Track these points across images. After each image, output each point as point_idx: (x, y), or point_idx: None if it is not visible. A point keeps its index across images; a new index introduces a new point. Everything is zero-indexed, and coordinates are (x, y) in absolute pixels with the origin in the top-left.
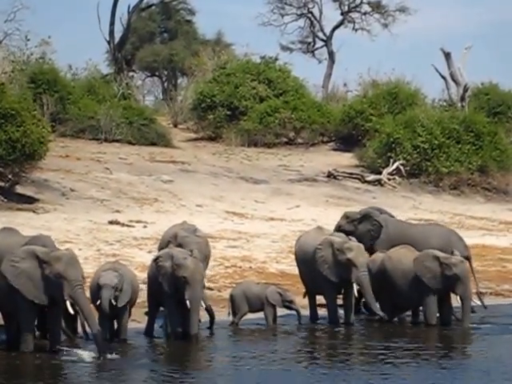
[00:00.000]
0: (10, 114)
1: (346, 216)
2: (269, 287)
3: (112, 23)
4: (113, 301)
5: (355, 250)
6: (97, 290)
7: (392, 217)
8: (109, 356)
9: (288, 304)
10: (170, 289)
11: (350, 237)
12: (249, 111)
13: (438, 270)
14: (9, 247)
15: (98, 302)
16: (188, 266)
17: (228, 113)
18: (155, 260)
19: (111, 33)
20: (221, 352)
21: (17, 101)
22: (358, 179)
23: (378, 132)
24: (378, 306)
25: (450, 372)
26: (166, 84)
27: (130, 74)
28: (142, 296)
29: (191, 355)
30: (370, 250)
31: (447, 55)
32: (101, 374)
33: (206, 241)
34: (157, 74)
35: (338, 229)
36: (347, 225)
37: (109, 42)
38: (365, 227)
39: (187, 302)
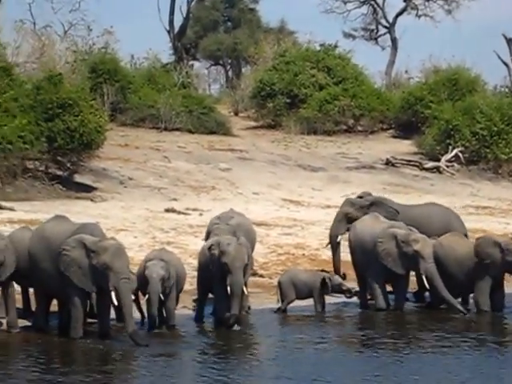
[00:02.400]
0: (67, 104)
1: (351, 202)
2: (317, 274)
3: (172, 13)
4: (161, 295)
5: (421, 242)
6: (144, 281)
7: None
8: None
9: (337, 288)
10: (218, 275)
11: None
12: (308, 99)
13: (498, 256)
14: (59, 235)
15: (147, 297)
16: (229, 252)
17: (287, 101)
18: (209, 248)
19: (171, 22)
20: (267, 338)
21: (74, 91)
22: (416, 166)
23: (436, 119)
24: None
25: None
26: (229, 72)
27: (190, 63)
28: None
29: (237, 341)
30: None
31: (509, 41)
32: (149, 358)
33: (245, 228)
34: (220, 62)
35: (345, 216)
36: (355, 211)
37: (169, 32)
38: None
39: (228, 288)
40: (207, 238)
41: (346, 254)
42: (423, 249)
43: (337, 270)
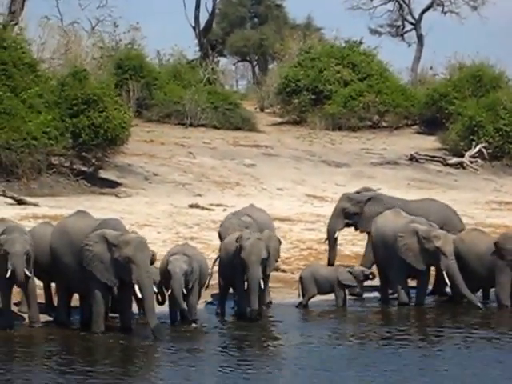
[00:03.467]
0: (92, 100)
1: (349, 198)
2: (339, 268)
3: (197, 9)
4: (184, 290)
5: (442, 238)
6: (167, 276)
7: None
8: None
9: (361, 276)
10: (239, 269)
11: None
12: (333, 95)
13: None
14: (80, 230)
15: (170, 292)
16: (245, 247)
17: (313, 97)
18: (236, 241)
19: (196, 19)
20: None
21: (99, 87)
22: (440, 162)
23: (460, 115)
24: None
25: None
26: (256, 69)
27: (216, 59)
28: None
29: (257, 335)
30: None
31: None
32: (170, 353)
33: (261, 224)
34: (247, 58)
35: (343, 211)
36: (352, 207)
37: (194, 28)
38: (372, 209)
39: (245, 282)
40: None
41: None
42: (444, 245)
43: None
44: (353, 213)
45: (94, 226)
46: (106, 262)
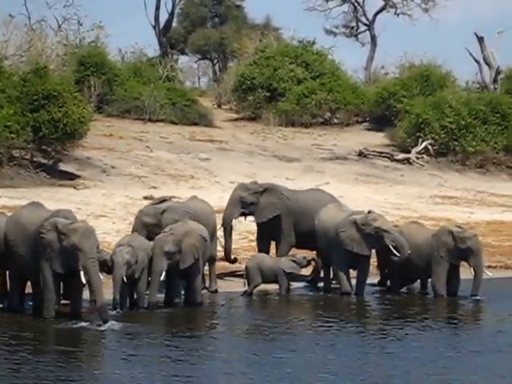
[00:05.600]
0: (52, 96)
1: (246, 187)
2: (281, 258)
3: (157, 9)
4: (124, 278)
5: (379, 219)
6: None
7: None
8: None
9: (304, 261)
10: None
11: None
12: (287, 93)
13: (452, 244)
14: (33, 220)
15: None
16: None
17: (267, 94)
18: None
19: (156, 18)
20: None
21: (59, 83)
22: (388, 158)
23: (408, 113)
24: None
25: None
26: (216, 67)
27: (175, 57)
28: None
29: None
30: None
31: (480, 39)
32: (121, 339)
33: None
34: (208, 56)
35: (239, 200)
36: (249, 196)
37: (154, 27)
38: (267, 199)
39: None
40: None
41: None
42: (383, 224)
43: (228, 254)
44: (249, 202)
45: (46, 217)
46: (56, 250)
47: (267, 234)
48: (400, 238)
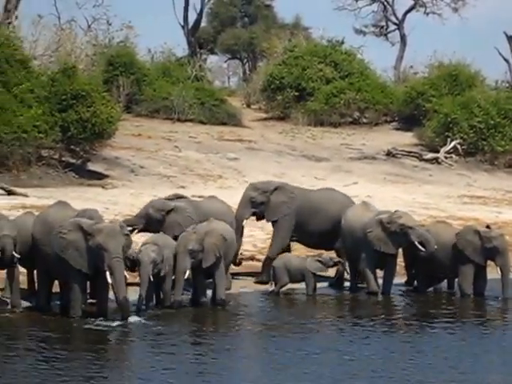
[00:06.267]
0: (80, 95)
1: (256, 187)
2: (308, 258)
3: (186, 9)
4: (151, 277)
5: (404, 216)
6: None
7: None
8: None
9: (331, 262)
10: None
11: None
12: (316, 92)
13: (478, 244)
14: (60, 220)
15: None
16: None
17: (296, 94)
18: None
19: (185, 18)
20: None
21: (87, 83)
22: (416, 157)
23: (436, 112)
24: None
25: None
26: (246, 66)
27: (204, 56)
28: None
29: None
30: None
31: (510, 38)
32: (147, 337)
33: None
34: (237, 56)
35: (250, 200)
36: (259, 196)
37: (183, 27)
38: (278, 198)
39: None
40: None
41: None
42: (408, 221)
43: (236, 255)
44: (260, 202)
45: (72, 216)
46: (81, 250)
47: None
48: (425, 233)
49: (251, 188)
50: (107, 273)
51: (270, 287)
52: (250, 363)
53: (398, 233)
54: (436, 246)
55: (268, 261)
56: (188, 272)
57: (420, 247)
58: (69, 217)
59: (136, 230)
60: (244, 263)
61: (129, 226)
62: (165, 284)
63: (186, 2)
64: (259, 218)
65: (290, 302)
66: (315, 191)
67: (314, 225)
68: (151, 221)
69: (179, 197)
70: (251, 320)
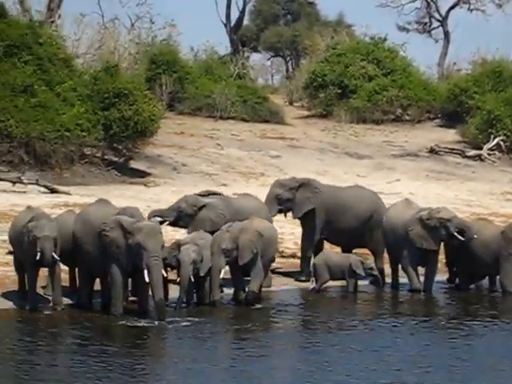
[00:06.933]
0: (123, 94)
1: (281, 184)
2: (351, 256)
3: (228, 7)
4: (191, 277)
5: (443, 210)
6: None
7: None
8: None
9: (369, 271)
10: None
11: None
12: (358, 90)
13: None
14: (101, 218)
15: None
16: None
17: (338, 91)
18: None
19: (228, 16)
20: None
21: (130, 81)
22: (459, 154)
23: (480, 109)
24: None
25: None
26: (289, 64)
27: (247, 54)
28: None
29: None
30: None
31: None
32: (187, 335)
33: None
34: (280, 54)
35: (276, 197)
36: (285, 193)
37: (225, 25)
38: (303, 195)
39: None
40: None
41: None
42: (446, 214)
43: None
44: (286, 199)
45: (113, 214)
46: (122, 247)
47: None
48: (463, 221)
49: (277, 185)
50: (145, 271)
51: (311, 284)
52: (292, 360)
53: (438, 227)
54: (477, 247)
55: (304, 259)
56: (223, 271)
57: (459, 237)
58: (109, 215)
59: (166, 222)
60: (285, 261)
61: (159, 217)
62: (205, 283)
63: (228, 0)
64: (286, 215)
65: (330, 300)
66: (344, 189)
67: (343, 223)
68: (182, 215)
69: (212, 193)
70: (289, 317)
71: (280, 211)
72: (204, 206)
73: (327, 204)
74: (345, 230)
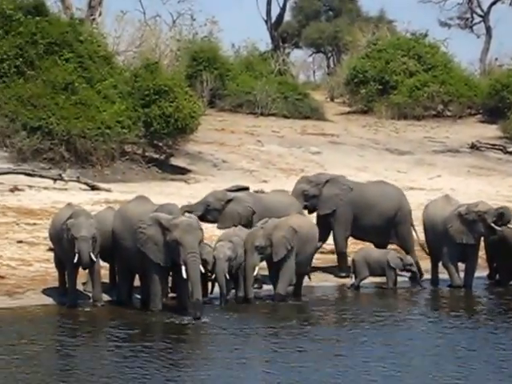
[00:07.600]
0: (163, 91)
1: (308, 180)
2: (389, 252)
3: (269, 3)
4: (226, 274)
5: (480, 204)
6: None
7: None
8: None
9: (408, 267)
10: None
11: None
12: (399, 85)
13: None
14: (140, 214)
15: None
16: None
17: (379, 87)
18: None
19: (268, 12)
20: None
21: (170, 78)
22: (501, 150)
23: None
24: None
25: None
26: (330, 60)
27: (287, 51)
28: None
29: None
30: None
31: None
32: (223, 331)
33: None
34: (322, 50)
35: (302, 193)
36: (312, 188)
37: (266, 21)
38: (330, 191)
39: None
40: None
41: None
42: (483, 206)
43: None
44: (312, 195)
45: (151, 211)
46: (160, 244)
47: (327, 225)
48: (496, 209)
49: (303, 181)
50: (183, 268)
51: (351, 280)
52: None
53: (476, 220)
54: None
55: (340, 256)
56: (257, 268)
57: (497, 227)
58: (148, 211)
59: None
60: (325, 257)
61: (188, 211)
62: (240, 280)
63: None
64: (310, 211)
65: (370, 296)
66: (368, 185)
67: (366, 219)
68: (210, 209)
69: (241, 188)
70: (328, 313)
71: (305, 207)
72: (231, 199)
73: (354, 201)
74: (369, 227)
